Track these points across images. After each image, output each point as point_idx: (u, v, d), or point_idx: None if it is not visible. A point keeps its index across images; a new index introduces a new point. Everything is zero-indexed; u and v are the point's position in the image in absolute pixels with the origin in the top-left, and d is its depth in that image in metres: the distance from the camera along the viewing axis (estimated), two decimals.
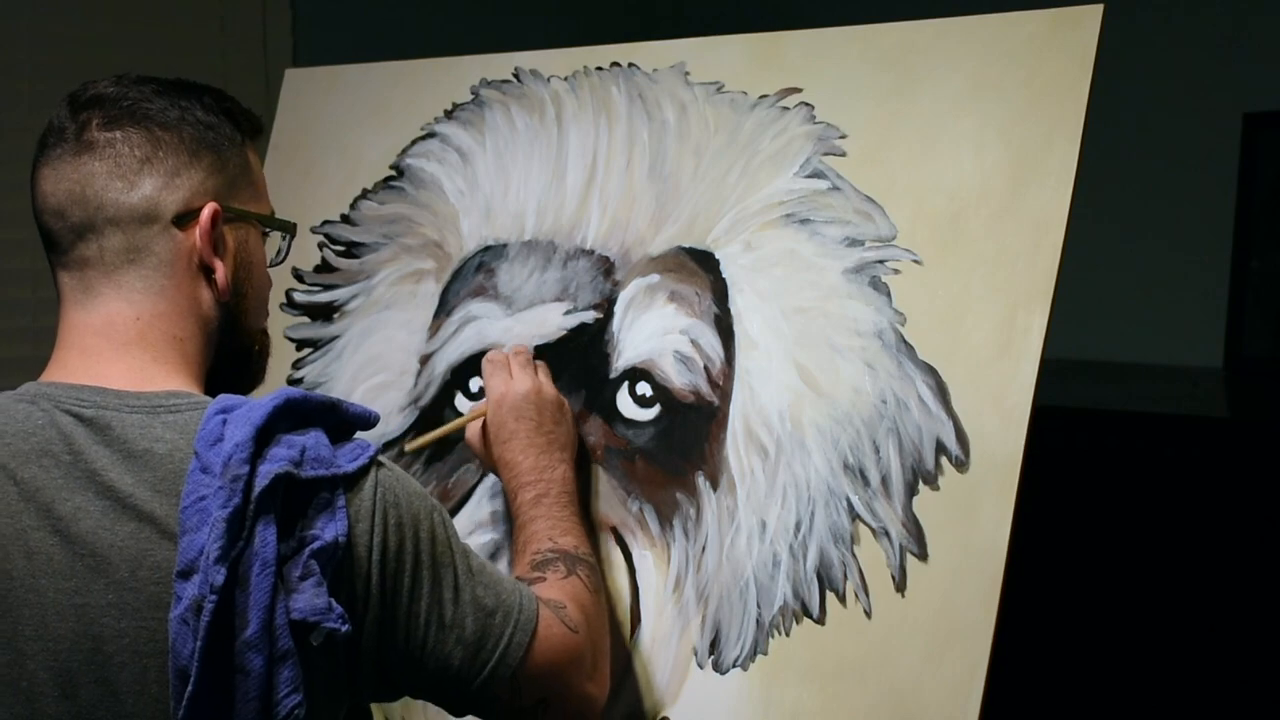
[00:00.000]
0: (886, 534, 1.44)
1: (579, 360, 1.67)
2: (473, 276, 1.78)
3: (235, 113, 1.37)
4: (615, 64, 1.75)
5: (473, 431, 1.62)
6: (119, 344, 1.29)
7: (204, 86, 1.37)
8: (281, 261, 1.44)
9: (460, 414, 1.74)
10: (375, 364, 1.85)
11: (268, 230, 1.40)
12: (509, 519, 1.67)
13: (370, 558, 1.24)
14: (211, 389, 1.33)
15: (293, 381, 1.89)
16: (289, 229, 1.43)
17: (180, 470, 1.21)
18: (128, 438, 1.23)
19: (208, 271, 1.32)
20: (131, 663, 1.19)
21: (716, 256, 1.60)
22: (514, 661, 1.31)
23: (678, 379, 1.60)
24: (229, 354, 1.36)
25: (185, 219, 1.31)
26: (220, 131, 1.34)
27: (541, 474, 1.54)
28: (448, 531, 1.32)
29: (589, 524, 1.60)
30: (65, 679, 1.20)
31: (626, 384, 1.63)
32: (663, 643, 1.55)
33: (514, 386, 1.60)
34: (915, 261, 1.48)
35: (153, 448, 1.22)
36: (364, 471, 1.26)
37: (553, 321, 1.70)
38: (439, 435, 1.68)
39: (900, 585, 1.42)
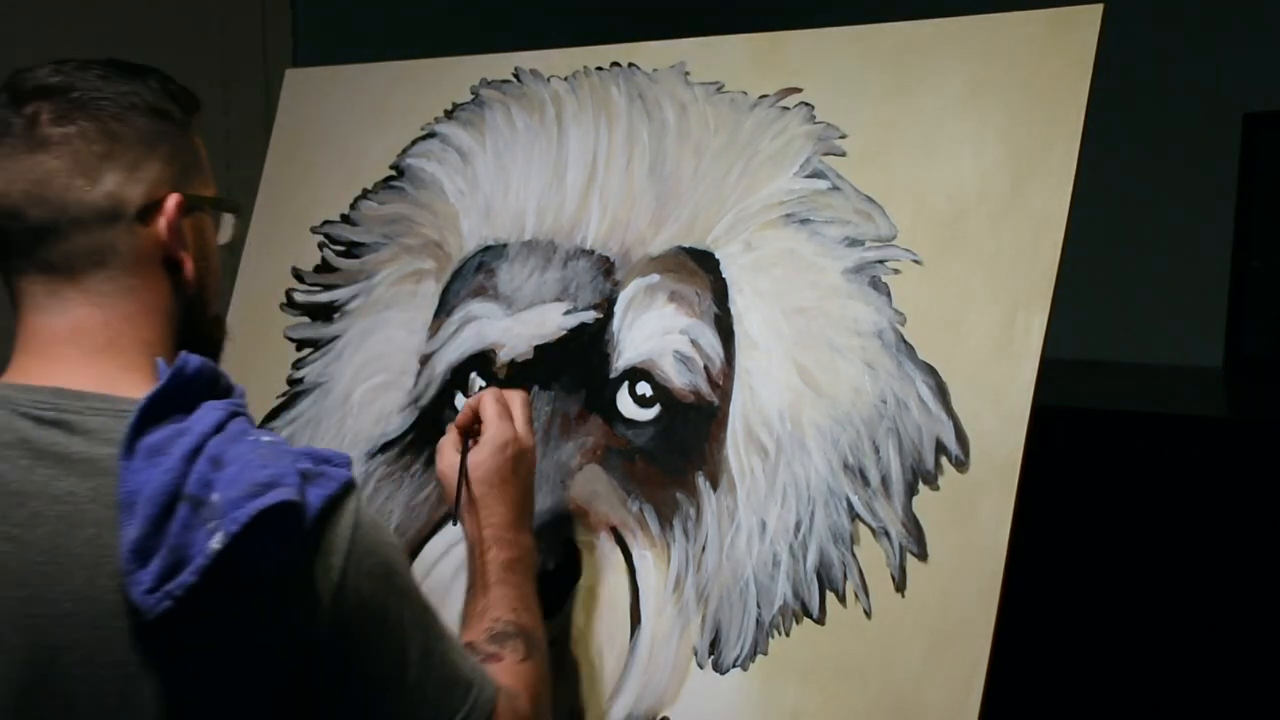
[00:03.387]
0: (886, 534, 1.44)
1: (579, 360, 1.67)
2: (473, 276, 1.78)
3: (179, 94, 1.30)
4: (615, 64, 1.75)
5: (446, 460, 1.53)
6: (88, 351, 1.23)
7: (144, 67, 1.30)
8: (229, 242, 1.37)
9: (460, 414, 1.73)
10: (375, 364, 1.85)
11: (218, 214, 1.34)
12: None
13: (336, 596, 1.19)
14: None
15: (293, 381, 1.90)
16: (236, 209, 1.37)
17: None
18: (90, 441, 1.18)
19: (172, 265, 1.27)
20: (87, 675, 1.16)
21: (716, 256, 1.60)
22: None
23: (678, 379, 1.60)
24: (191, 347, 1.28)
25: (148, 212, 1.25)
26: (171, 117, 1.28)
27: (518, 536, 1.47)
28: (417, 585, 1.27)
29: (588, 524, 1.61)
30: (21, 691, 1.16)
31: (626, 384, 1.63)
32: (663, 643, 1.55)
33: (523, 438, 1.51)
34: (915, 261, 1.48)
35: (115, 453, 1.17)
36: (340, 503, 1.20)
37: (553, 321, 1.70)
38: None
39: (900, 585, 1.42)
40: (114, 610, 1.15)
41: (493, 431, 1.51)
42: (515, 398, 1.55)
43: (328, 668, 1.20)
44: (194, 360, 1.21)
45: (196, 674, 1.17)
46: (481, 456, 1.50)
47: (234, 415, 1.21)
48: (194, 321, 1.30)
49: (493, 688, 1.30)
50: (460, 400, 1.75)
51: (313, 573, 1.18)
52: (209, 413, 1.19)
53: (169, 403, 1.19)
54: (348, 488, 1.21)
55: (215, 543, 1.12)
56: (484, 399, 1.54)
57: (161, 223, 1.25)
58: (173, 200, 1.25)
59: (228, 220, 1.36)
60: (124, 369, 1.23)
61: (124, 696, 1.15)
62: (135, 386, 1.22)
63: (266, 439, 1.20)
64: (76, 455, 1.18)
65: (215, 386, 1.23)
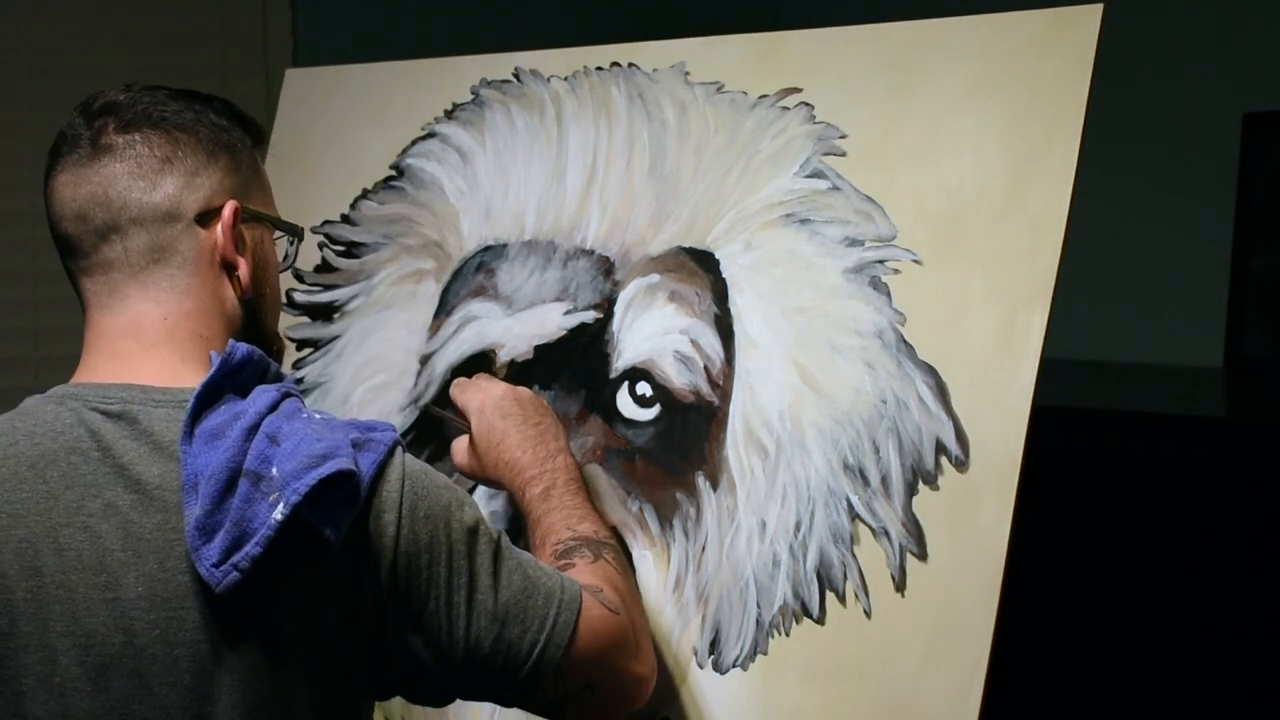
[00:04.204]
0: (886, 534, 1.44)
1: (579, 360, 1.67)
2: (473, 276, 1.78)
3: (243, 118, 1.39)
4: (615, 64, 1.75)
5: (460, 454, 1.60)
6: (148, 345, 1.30)
7: (209, 95, 1.39)
8: (289, 266, 1.46)
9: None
10: (375, 364, 1.85)
11: (277, 234, 1.42)
12: (510, 519, 1.67)
13: (397, 549, 1.26)
14: None
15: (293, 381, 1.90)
16: (297, 233, 1.45)
17: None
18: (154, 430, 1.25)
19: (230, 269, 1.34)
20: (163, 654, 1.21)
21: (716, 256, 1.60)
22: (561, 643, 1.31)
23: (678, 379, 1.60)
24: None
25: (207, 217, 1.32)
26: (233, 134, 1.36)
27: (543, 465, 1.53)
28: (478, 515, 1.33)
29: None
30: (97, 673, 1.21)
31: (626, 384, 1.63)
32: (663, 643, 1.55)
33: (490, 392, 1.58)
34: (915, 261, 1.48)
35: (178, 440, 1.24)
36: (389, 462, 1.28)
37: (553, 321, 1.70)
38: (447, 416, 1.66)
39: (900, 585, 1.42)
40: (186, 591, 1.22)
41: (465, 408, 1.59)
42: (475, 376, 1.64)
43: (399, 615, 1.27)
44: (241, 348, 1.29)
45: (270, 645, 1.23)
46: (470, 434, 1.58)
47: (286, 396, 1.29)
48: (252, 328, 1.37)
49: (576, 586, 1.35)
50: None
51: (372, 533, 1.25)
52: (262, 395, 1.27)
53: (222, 389, 1.27)
54: (394, 448, 1.29)
55: (278, 514, 1.19)
56: (451, 391, 1.63)
57: (219, 227, 1.33)
58: (230, 207, 1.33)
59: (289, 245, 1.45)
60: (183, 360, 1.30)
61: (199, 674, 1.22)
62: (194, 377, 1.29)
63: (319, 416, 1.28)
64: (143, 446, 1.24)
65: (265, 374, 1.31)
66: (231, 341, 1.30)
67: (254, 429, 1.24)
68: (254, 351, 1.30)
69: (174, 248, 1.31)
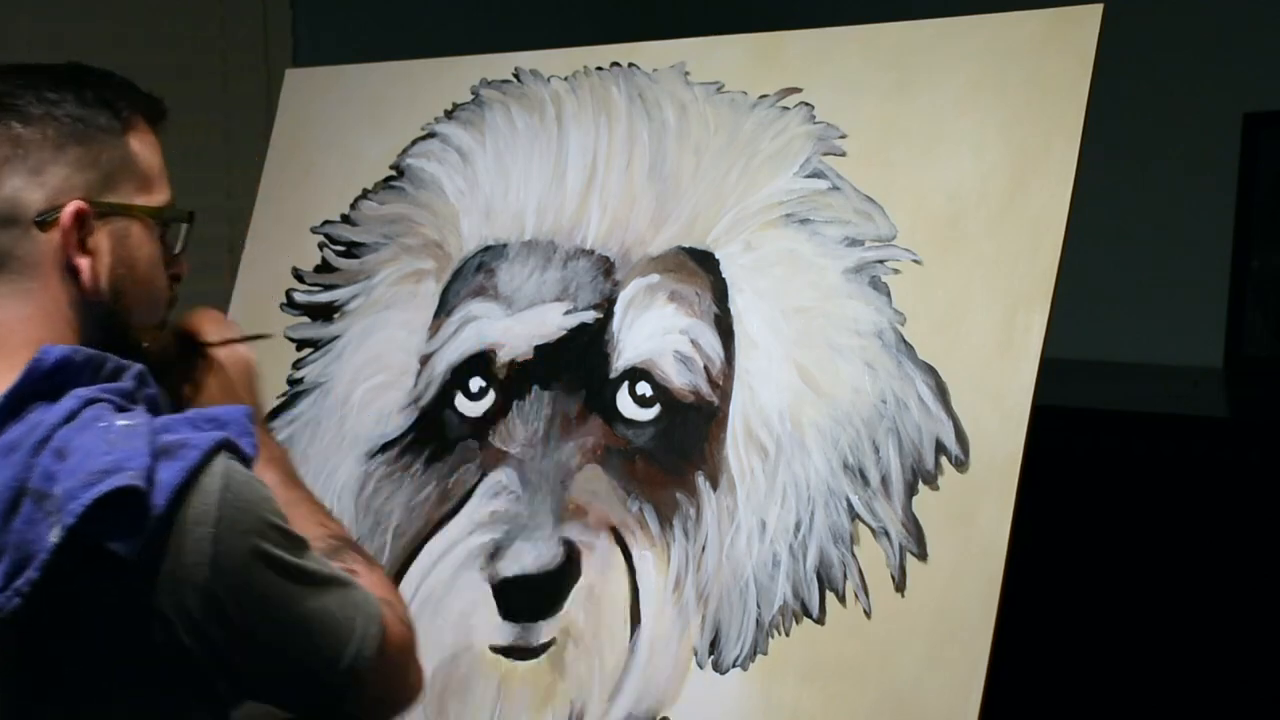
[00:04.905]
0: (886, 534, 1.44)
1: (579, 360, 1.67)
2: (473, 276, 1.78)
3: (117, 101, 1.29)
4: (615, 64, 1.75)
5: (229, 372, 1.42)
6: None
7: (89, 73, 1.30)
8: (181, 252, 1.34)
9: (461, 414, 1.74)
10: (375, 364, 1.85)
11: (166, 222, 1.31)
12: (510, 520, 1.67)
13: (214, 563, 1.15)
14: None
15: (293, 381, 1.89)
16: (181, 218, 1.34)
17: None
18: None
19: (76, 272, 1.24)
20: None
21: (716, 256, 1.60)
22: (370, 654, 1.23)
23: (678, 379, 1.60)
24: (116, 354, 1.25)
25: (48, 218, 1.23)
26: (93, 123, 1.26)
27: (272, 450, 1.40)
28: (292, 531, 1.23)
29: (588, 524, 1.60)
30: None
31: (626, 384, 1.63)
32: (663, 643, 1.55)
33: (251, 355, 1.45)
34: (915, 261, 1.48)
35: None
36: (204, 471, 1.16)
37: (553, 321, 1.70)
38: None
39: (900, 585, 1.42)
40: None
41: (239, 353, 1.43)
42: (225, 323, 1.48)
43: (220, 634, 1.16)
44: (54, 352, 1.19)
45: (70, 666, 1.15)
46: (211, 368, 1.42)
47: (92, 402, 1.18)
48: (109, 329, 1.27)
49: (377, 602, 1.26)
50: (460, 400, 1.75)
51: (180, 549, 1.14)
52: (64, 403, 1.17)
53: (29, 398, 1.17)
54: (214, 452, 1.17)
55: (53, 536, 1.10)
56: (203, 321, 1.44)
57: (58, 229, 1.23)
58: (70, 207, 1.23)
59: (178, 229, 1.33)
60: (11, 370, 1.20)
61: None
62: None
63: (122, 423, 1.16)
64: None
65: (97, 373, 1.21)
66: (44, 346, 1.20)
67: (44, 442, 1.15)
68: (75, 354, 1.20)
69: (12, 253, 1.23)
